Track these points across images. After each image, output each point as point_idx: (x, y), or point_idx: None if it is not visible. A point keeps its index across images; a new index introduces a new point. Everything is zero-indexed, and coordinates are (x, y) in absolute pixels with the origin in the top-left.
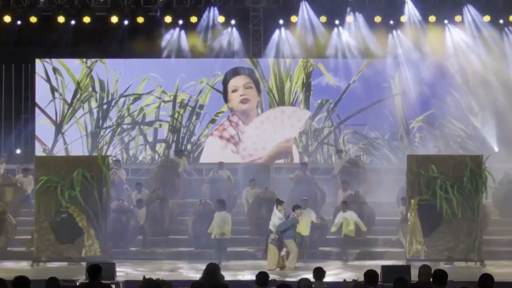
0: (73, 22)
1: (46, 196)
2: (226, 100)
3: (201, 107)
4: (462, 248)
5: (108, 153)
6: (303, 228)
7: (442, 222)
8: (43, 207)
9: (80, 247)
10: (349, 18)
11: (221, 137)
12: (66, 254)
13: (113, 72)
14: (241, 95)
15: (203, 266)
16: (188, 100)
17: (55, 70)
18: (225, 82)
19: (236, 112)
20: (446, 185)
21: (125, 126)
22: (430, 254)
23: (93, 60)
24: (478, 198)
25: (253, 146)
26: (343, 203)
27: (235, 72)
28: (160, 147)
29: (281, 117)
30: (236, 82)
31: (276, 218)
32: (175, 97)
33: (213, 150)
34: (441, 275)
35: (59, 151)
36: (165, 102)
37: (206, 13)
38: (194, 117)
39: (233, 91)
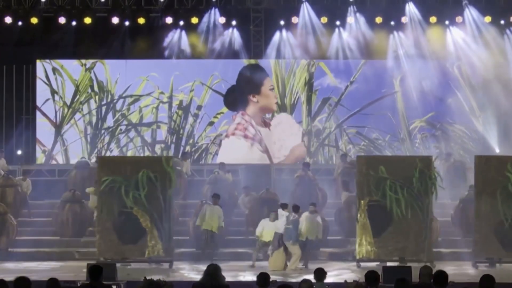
0: (74, 23)
1: (109, 196)
2: (254, 94)
3: (199, 107)
4: (411, 249)
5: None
6: (310, 232)
7: (392, 223)
8: (106, 207)
9: (143, 248)
10: (350, 19)
11: (245, 136)
12: (129, 255)
13: (114, 73)
14: (275, 96)
15: (204, 267)
16: (188, 101)
17: (55, 71)
18: (259, 78)
19: (259, 111)
20: (396, 186)
21: (123, 127)
22: (380, 255)
23: (93, 61)
24: (427, 199)
25: (274, 147)
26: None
27: (263, 71)
28: (158, 149)
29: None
30: (271, 81)
31: (281, 222)
32: (170, 96)
33: (237, 150)
34: (442, 276)
35: (57, 153)
36: (163, 103)
37: (207, 14)
38: (192, 118)
39: (271, 89)
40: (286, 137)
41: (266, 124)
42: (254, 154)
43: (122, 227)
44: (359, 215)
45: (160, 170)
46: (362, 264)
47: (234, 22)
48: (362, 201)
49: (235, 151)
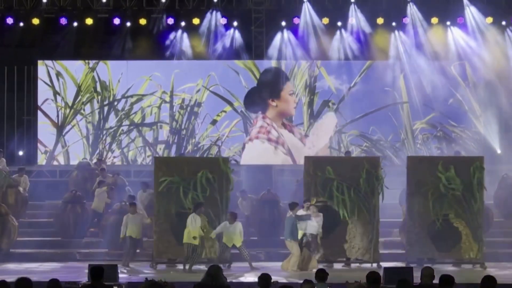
0: (75, 23)
1: (167, 197)
2: (274, 98)
3: (200, 106)
4: (358, 250)
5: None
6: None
7: (339, 224)
8: (163, 208)
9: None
10: (351, 20)
11: (269, 139)
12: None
13: (116, 73)
14: (295, 101)
15: (205, 268)
16: (190, 102)
17: (57, 72)
18: (280, 83)
19: (278, 115)
20: (343, 187)
21: (125, 128)
22: (327, 255)
23: (95, 61)
24: (374, 199)
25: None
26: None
27: (283, 75)
28: (159, 149)
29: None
30: (292, 86)
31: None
32: (171, 96)
33: (261, 153)
34: (447, 279)
35: (59, 154)
36: (166, 102)
37: (208, 15)
38: (192, 117)
39: (291, 94)
40: (320, 136)
41: (286, 126)
42: (278, 156)
43: (179, 228)
44: None
45: (217, 171)
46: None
47: (235, 23)
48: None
49: (259, 154)
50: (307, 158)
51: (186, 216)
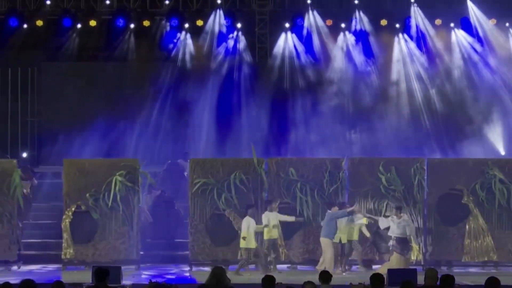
0: (79, 25)
1: (202, 198)
2: None
3: None
4: (321, 251)
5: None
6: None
7: (302, 225)
8: (198, 210)
9: (236, 250)
10: (355, 22)
11: None
12: (222, 257)
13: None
14: None
15: (209, 269)
16: None
17: (60, 73)
18: None
19: None
20: (306, 188)
21: None
22: (290, 256)
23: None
24: (338, 200)
25: None
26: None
27: None
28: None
29: None
30: None
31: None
32: None
33: None
34: (447, 279)
35: None
36: None
37: (212, 17)
38: None
39: None
40: None
41: None
42: None
43: (214, 229)
44: None
45: (251, 172)
46: (279, 267)
47: (239, 25)
48: (273, 204)
49: None
50: (270, 160)
51: (221, 217)
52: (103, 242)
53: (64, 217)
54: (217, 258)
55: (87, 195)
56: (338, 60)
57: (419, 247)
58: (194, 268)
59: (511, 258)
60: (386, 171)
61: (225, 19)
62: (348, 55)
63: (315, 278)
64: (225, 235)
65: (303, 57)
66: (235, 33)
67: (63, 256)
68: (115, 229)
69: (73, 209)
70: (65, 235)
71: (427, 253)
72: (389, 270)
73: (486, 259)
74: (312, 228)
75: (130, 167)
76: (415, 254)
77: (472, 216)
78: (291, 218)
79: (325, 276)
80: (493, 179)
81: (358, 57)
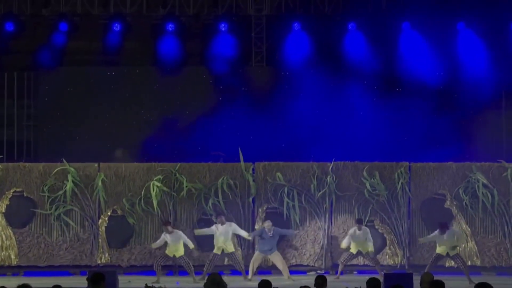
0: (75, 30)
1: (188, 203)
2: None
3: None
4: (309, 256)
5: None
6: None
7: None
8: (185, 215)
9: (222, 255)
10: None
11: None
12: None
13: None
14: None
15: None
16: None
17: (57, 78)
18: None
19: None
20: (293, 193)
21: None
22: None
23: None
24: (325, 205)
25: None
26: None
27: None
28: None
29: None
30: None
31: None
32: None
33: None
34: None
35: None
36: None
37: (208, 22)
38: None
39: None
40: None
41: None
42: None
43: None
44: None
45: (239, 177)
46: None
47: (235, 29)
48: (259, 209)
49: None
50: (257, 164)
51: (208, 222)
52: (139, 247)
53: (99, 221)
54: (204, 264)
55: (124, 199)
56: None
57: (403, 252)
58: (180, 274)
59: (494, 262)
60: (370, 176)
61: (221, 23)
62: None
63: (310, 283)
64: (211, 241)
65: (300, 62)
66: (231, 37)
67: (98, 261)
68: (151, 234)
69: (109, 213)
70: (100, 240)
71: (410, 257)
72: (386, 275)
73: (469, 263)
74: (300, 233)
75: (167, 172)
76: (399, 259)
77: (455, 221)
78: (244, 233)
79: (320, 280)
80: (477, 183)
81: None
